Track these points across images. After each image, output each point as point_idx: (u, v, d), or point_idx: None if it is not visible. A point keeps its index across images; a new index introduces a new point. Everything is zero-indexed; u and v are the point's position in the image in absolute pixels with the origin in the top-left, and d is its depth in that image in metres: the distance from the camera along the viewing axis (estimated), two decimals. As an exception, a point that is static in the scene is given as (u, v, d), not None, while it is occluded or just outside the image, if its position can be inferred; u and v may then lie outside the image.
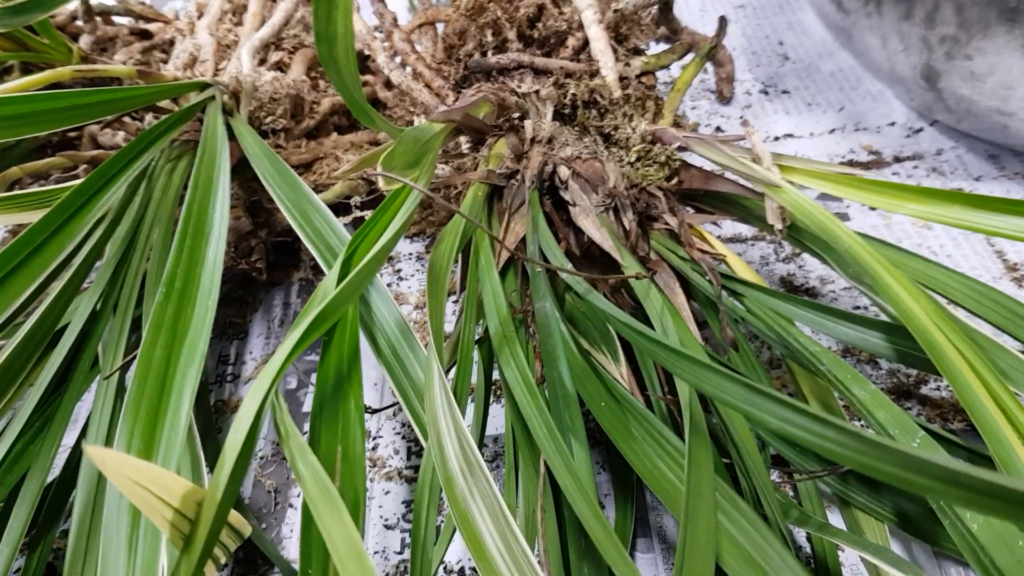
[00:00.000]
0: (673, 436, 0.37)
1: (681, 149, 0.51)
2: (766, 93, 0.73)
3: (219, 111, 0.47)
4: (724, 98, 0.72)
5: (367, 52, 0.59)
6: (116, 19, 0.72)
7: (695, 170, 0.52)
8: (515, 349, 0.38)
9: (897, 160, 0.64)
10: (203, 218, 0.37)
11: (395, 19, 0.59)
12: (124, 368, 0.41)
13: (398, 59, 0.58)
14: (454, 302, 0.57)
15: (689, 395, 0.33)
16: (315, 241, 0.41)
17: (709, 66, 0.73)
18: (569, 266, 0.43)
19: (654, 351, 0.32)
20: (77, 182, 0.39)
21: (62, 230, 0.37)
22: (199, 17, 0.62)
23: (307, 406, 0.52)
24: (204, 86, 0.50)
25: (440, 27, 0.62)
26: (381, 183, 0.37)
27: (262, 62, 0.58)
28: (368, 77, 0.66)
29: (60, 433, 0.39)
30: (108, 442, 0.39)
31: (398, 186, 0.38)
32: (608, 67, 0.51)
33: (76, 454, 0.42)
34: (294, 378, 0.54)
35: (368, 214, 0.52)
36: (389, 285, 0.60)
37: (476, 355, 0.44)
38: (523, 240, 0.47)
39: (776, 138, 0.67)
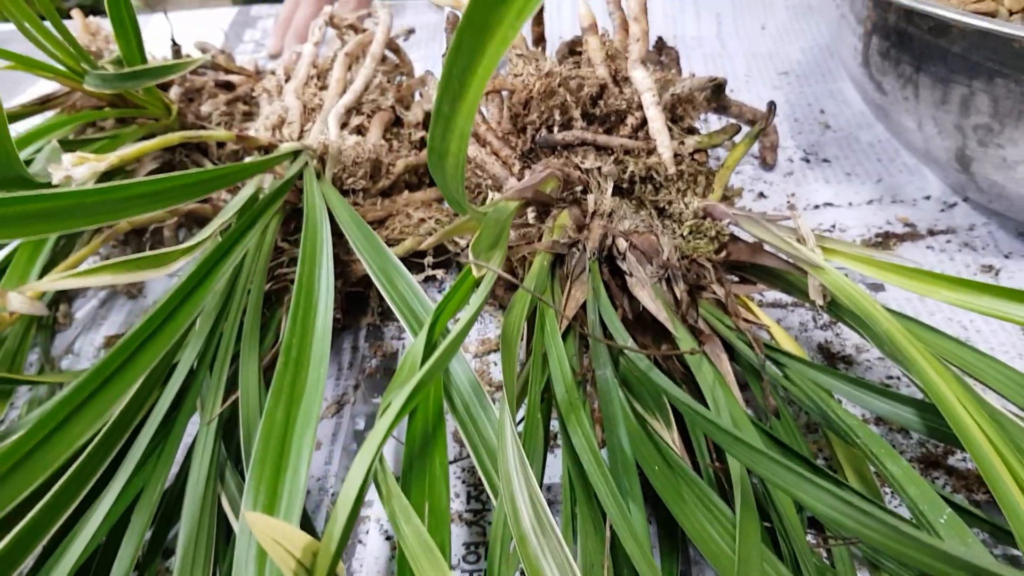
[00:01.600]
0: (720, 502, 0.41)
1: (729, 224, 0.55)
2: (807, 161, 0.77)
3: (314, 180, 0.52)
4: (768, 165, 0.76)
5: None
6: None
7: (742, 243, 0.56)
8: (580, 417, 0.42)
9: (931, 233, 0.67)
10: (311, 290, 0.42)
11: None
12: (220, 416, 0.46)
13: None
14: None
15: (740, 472, 0.37)
16: (400, 305, 0.46)
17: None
18: (627, 335, 0.47)
19: (710, 430, 0.36)
20: (195, 247, 0.44)
21: (192, 296, 0.42)
22: (286, 80, 0.67)
23: (374, 448, 0.56)
24: (296, 153, 0.55)
25: (505, 94, 0.67)
26: (474, 270, 0.41)
27: (343, 125, 0.63)
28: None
29: (166, 472, 0.44)
30: (209, 482, 0.44)
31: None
32: (664, 146, 0.56)
33: (173, 492, 0.47)
34: (363, 418, 0.58)
35: (439, 273, 0.56)
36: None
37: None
38: (583, 306, 0.51)
39: (816, 206, 0.71)
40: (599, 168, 0.55)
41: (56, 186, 0.46)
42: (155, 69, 0.56)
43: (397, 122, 0.70)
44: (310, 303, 0.41)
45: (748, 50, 0.95)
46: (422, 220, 0.62)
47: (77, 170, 0.46)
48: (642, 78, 0.57)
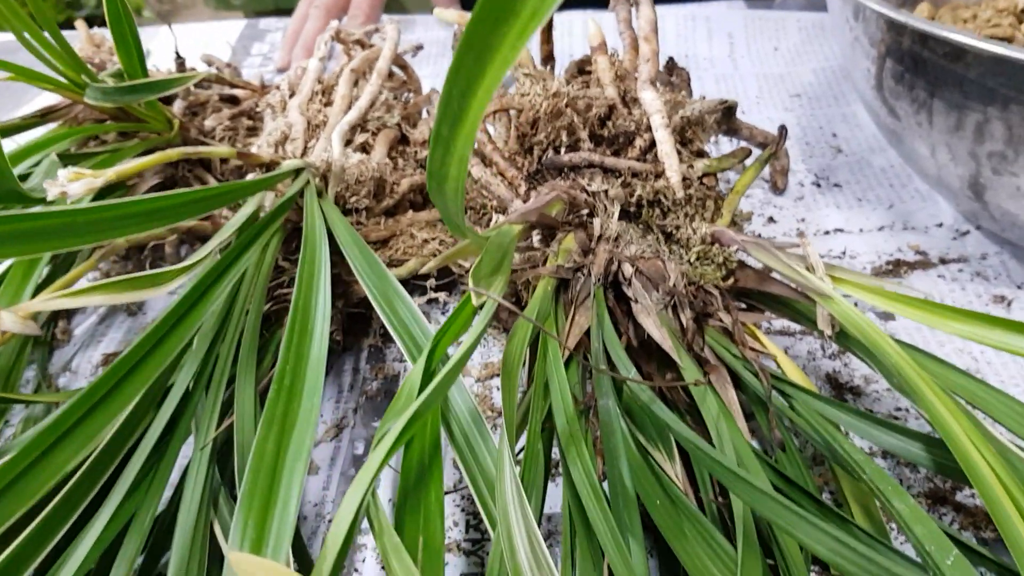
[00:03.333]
0: (723, 540, 0.39)
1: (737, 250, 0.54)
2: (818, 185, 0.76)
3: (315, 198, 0.51)
4: (778, 189, 0.75)
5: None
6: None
7: (750, 270, 0.55)
8: (581, 449, 0.41)
9: (943, 262, 0.66)
10: (307, 316, 0.41)
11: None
12: (215, 441, 0.45)
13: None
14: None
15: (744, 511, 0.36)
16: (399, 331, 0.45)
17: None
18: (630, 364, 0.46)
19: (714, 467, 0.35)
20: (193, 266, 0.43)
21: (188, 315, 0.41)
22: (291, 96, 0.66)
23: (372, 472, 0.55)
24: (299, 171, 0.54)
25: (513, 112, 0.66)
26: (474, 299, 0.40)
27: (348, 143, 0.62)
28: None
29: (159, 496, 0.43)
30: (201, 509, 0.43)
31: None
32: (673, 169, 0.55)
33: (165, 518, 0.46)
34: (362, 442, 0.57)
35: (442, 296, 0.55)
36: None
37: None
38: (587, 333, 0.50)
39: (827, 232, 0.70)
40: (606, 191, 0.54)
41: (52, 202, 0.45)
42: (156, 83, 0.55)
43: (403, 140, 0.69)
44: (306, 328, 0.40)
45: (760, 71, 0.94)
46: (426, 241, 0.61)
47: (73, 186, 0.45)
48: (651, 99, 0.57)
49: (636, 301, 0.50)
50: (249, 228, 0.49)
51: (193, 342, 0.48)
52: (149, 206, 0.40)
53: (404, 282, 0.61)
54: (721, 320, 0.52)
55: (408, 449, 0.39)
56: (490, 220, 0.58)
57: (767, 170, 0.77)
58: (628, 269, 0.51)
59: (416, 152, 0.68)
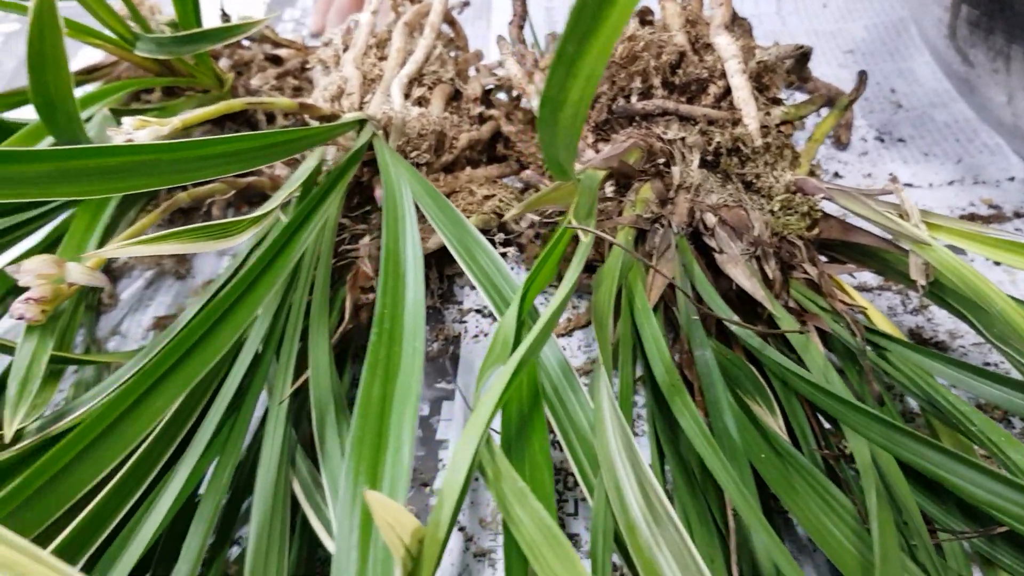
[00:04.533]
0: (838, 492, 0.37)
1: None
2: (881, 140, 0.74)
3: (385, 148, 0.48)
4: (841, 144, 0.72)
5: (517, 93, 0.61)
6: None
7: (834, 220, 0.52)
8: (685, 398, 0.39)
9: (1018, 215, 0.64)
10: (399, 261, 0.39)
11: (536, 60, 0.61)
12: (294, 394, 0.43)
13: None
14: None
15: (866, 461, 0.34)
16: (482, 280, 0.43)
17: (823, 111, 0.74)
18: (729, 311, 0.44)
19: (842, 412, 0.33)
20: (263, 217, 0.41)
21: (270, 267, 0.39)
22: (344, 50, 0.64)
23: (440, 433, 0.53)
24: (362, 122, 0.52)
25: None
26: (581, 235, 0.38)
27: (405, 96, 0.60)
28: (492, 111, 0.67)
29: (236, 454, 0.41)
30: (281, 467, 0.41)
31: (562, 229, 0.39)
32: (751, 116, 0.52)
33: (242, 475, 0.44)
34: (427, 404, 0.55)
35: (510, 251, 0.53)
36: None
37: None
38: (669, 285, 0.48)
39: (894, 187, 0.68)
40: (683, 139, 0.52)
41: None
42: (214, 32, 0.53)
43: (455, 96, 0.67)
44: (399, 273, 0.38)
45: (810, 28, 0.91)
46: (486, 197, 0.59)
47: (139, 134, 0.43)
48: (726, 44, 0.54)
49: (720, 251, 0.48)
50: (314, 182, 0.47)
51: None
52: (235, 146, 0.38)
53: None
54: (806, 272, 0.50)
55: (508, 402, 0.37)
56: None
57: (827, 126, 0.74)
58: (711, 219, 0.49)
59: (469, 108, 0.65)
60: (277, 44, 0.74)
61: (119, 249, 0.38)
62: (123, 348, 0.61)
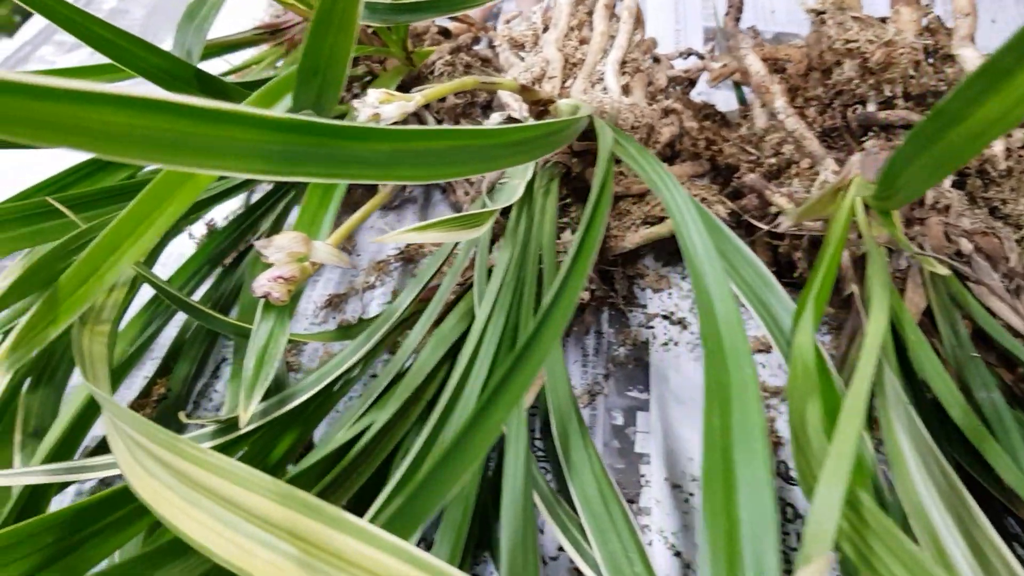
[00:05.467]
0: None
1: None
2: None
3: (610, 142, 0.45)
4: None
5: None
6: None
7: (1083, 256, 0.49)
8: (991, 444, 0.35)
9: None
10: (693, 263, 0.36)
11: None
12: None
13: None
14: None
15: None
16: (748, 294, 0.40)
17: None
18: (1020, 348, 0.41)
19: None
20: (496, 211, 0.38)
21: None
22: (544, 30, 0.61)
23: (639, 447, 0.50)
24: (576, 109, 0.49)
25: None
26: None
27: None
28: (676, 105, 0.64)
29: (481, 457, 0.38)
30: (526, 479, 0.38)
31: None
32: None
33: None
34: (620, 412, 0.52)
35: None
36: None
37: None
38: (925, 312, 0.45)
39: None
40: (933, 156, 0.48)
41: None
42: (446, 1, 0.49)
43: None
44: (701, 287, 0.35)
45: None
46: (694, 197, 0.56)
47: (386, 108, 0.40)
48: (973, 58, 0.50)
49: (977, 281, 0.45)
50: (548, 170, 0.44)
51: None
52: (516, 136, 0.35)
53: (660, 241, 0.56)
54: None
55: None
56: (795, 177, 0.52)
57: None
58: (967, 245, 0.46)
59: (659, 100, 0.62)
60: (453, 17, 0.71)
61: (399, 235, 0.35)
62: (296, 327, 0.59)
